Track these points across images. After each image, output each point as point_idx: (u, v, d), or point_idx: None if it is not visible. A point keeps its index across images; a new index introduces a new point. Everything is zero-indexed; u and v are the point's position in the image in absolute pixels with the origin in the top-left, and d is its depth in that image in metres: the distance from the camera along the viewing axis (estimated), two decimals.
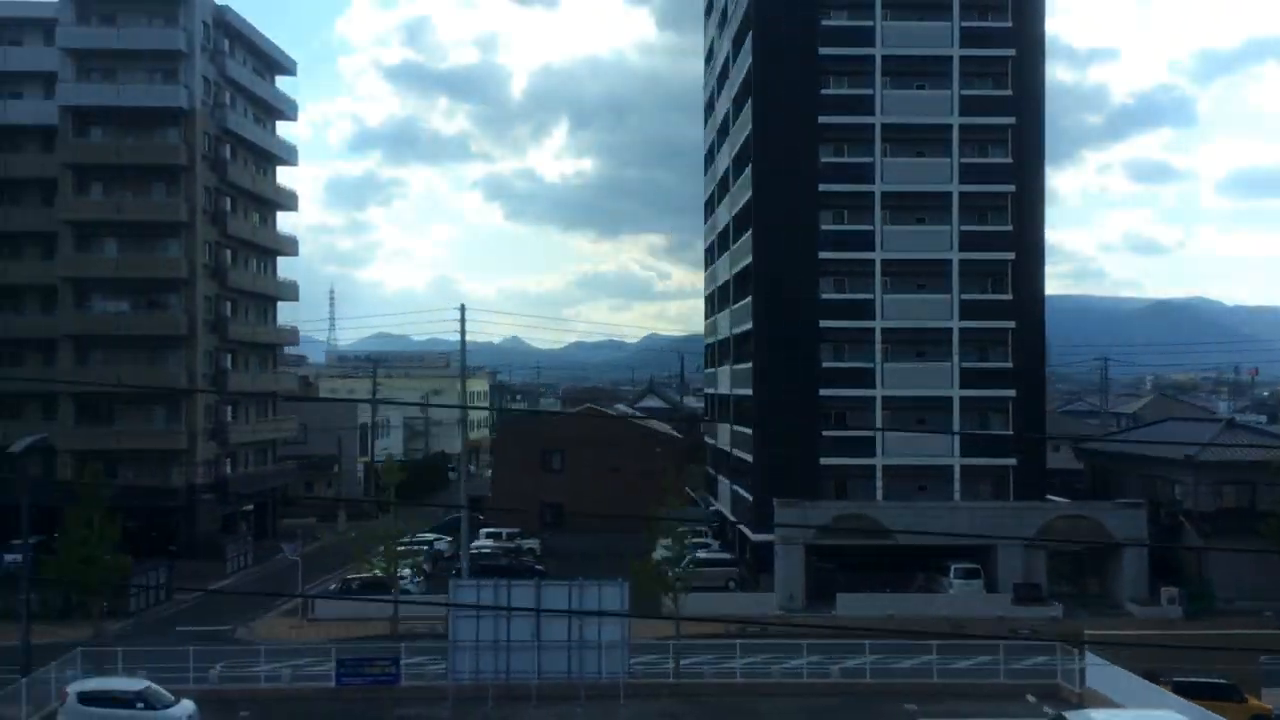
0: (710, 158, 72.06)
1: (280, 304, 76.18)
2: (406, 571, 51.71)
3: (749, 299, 55.71)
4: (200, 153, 62.43)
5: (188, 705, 29.45)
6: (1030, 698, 33.81)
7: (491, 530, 66.99)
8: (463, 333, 48.21)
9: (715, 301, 67.55)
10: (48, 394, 64.54)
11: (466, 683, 33.38)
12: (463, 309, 48.54)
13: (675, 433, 77.02)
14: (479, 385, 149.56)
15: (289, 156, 75.77)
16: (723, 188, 65.28)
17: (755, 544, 52.91)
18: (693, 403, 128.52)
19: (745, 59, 54.65)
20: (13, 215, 64.56)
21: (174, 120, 62.09)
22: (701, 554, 58.21)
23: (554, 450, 70.53)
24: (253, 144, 69.99)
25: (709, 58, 72.35)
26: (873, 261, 51.73)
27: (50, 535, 61.97)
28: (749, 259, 54.51)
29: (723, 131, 64.76)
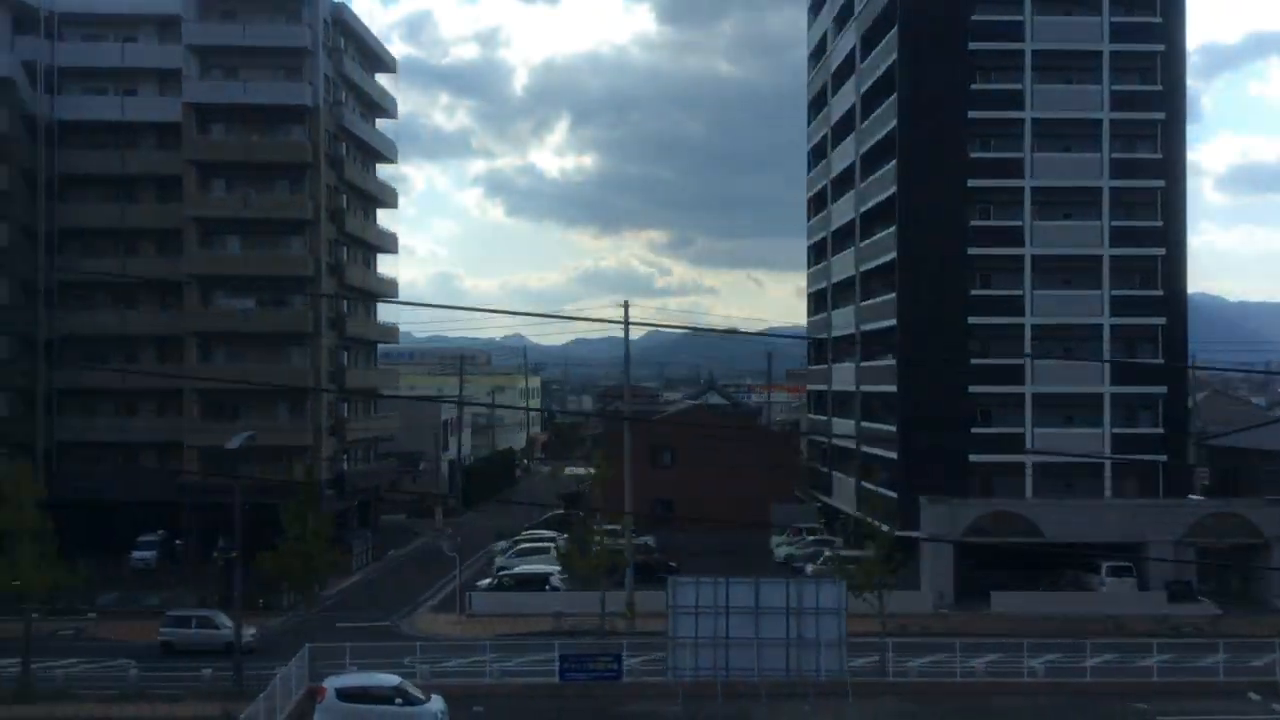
0: (819, 153, 71.95)
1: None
2: (555, 568, 51.83)
3: (884, 296, 55.63)
4: (323, 150, 62.56)
5: (439, 701, 29.52)
6: (1254, 695, 33.71)
7: (607, 527, 66.89)
8: (626, 331, 48.15)
9: (830, 298, 67.39)
10: (170, 390, 64.92)
11: (688, 679, 33.42)
12: (626, 305, 48.57)
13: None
14: (533, 383, 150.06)
15: (390, 153, 75.90)
16: (840, 184, 65.22)
17: (895, 542, 52.71)
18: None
19: (885, 54, 54.51)
20: (129, 213, 64.85)
21: (297, 118, 62.18)
22: (842, 552, 58.30)
23: (663, 447, 70.60)
24: (362, 141, 70.14)
25: (817, 53, 72.15)
26: (1022, 257, 51.57)
27: (174, 532, 62.61)
28: (886, 256, 54.39)
29: (841, 127, 64.64)
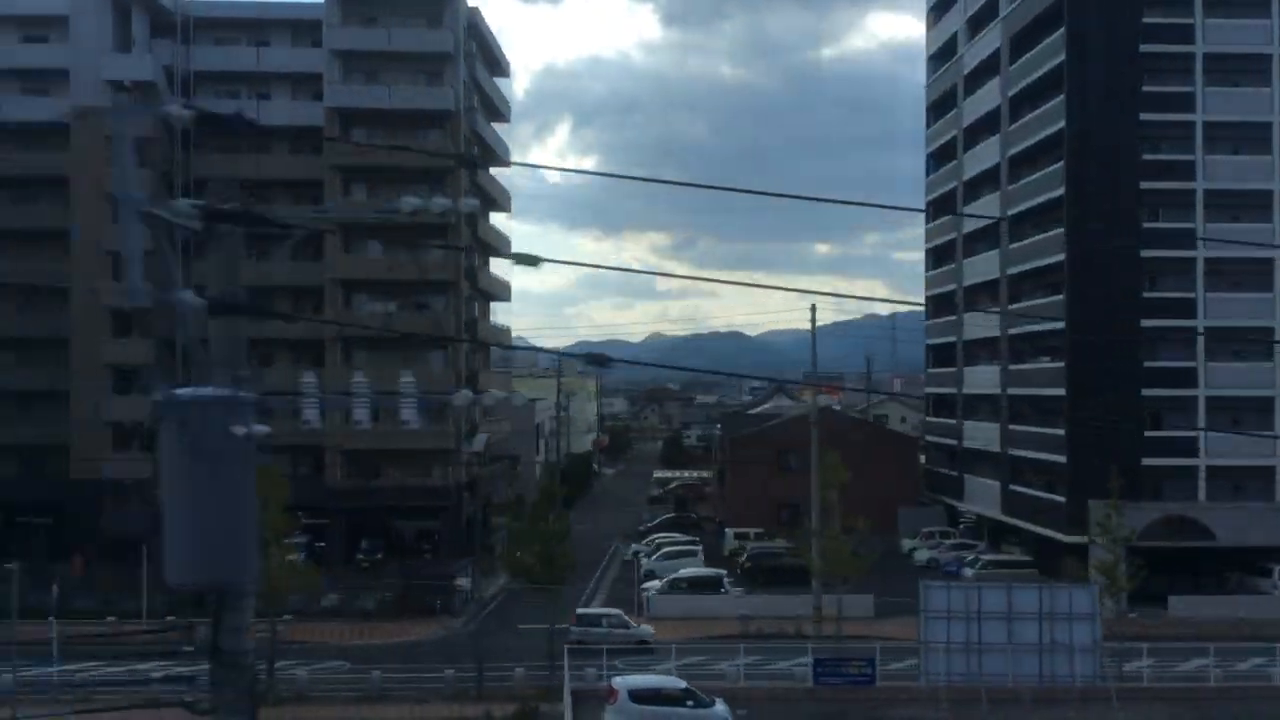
0: (943, 155, 71.84)
1: None
2: (722, 571, 51.77)
3: (1037, 300, 55.53)
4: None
5: (723, 705, 29.45)
6: None
7: (739, 531, 66.92)
8: (813, 330, 48.06)
9: (961, 301, 67.25)
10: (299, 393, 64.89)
11: (941, 684, 33.28)
12: (814, 308, 48.50)
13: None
14: (589, 386, 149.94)
15: (506, 156, 76.09)
16: (976, 185, 65.14)
17: (1056, 546, 52.52)
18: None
19: (1046, 56, 54.31)
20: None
21: (437, 122, 62.31)
22: (997, 556, 58.12)
23: (788, 450, 70.35)
24: (486, 144, 70.26)
25: (942, 54, 71.96)
26: (1194, 260, 51.34)
27: (319, 534, 62.69)
28: (1045, 259, 54.26)
29: (979, 129, 64.58)
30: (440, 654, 41.12)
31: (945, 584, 34.71)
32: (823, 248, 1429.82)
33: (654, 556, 59.71)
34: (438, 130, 62.56)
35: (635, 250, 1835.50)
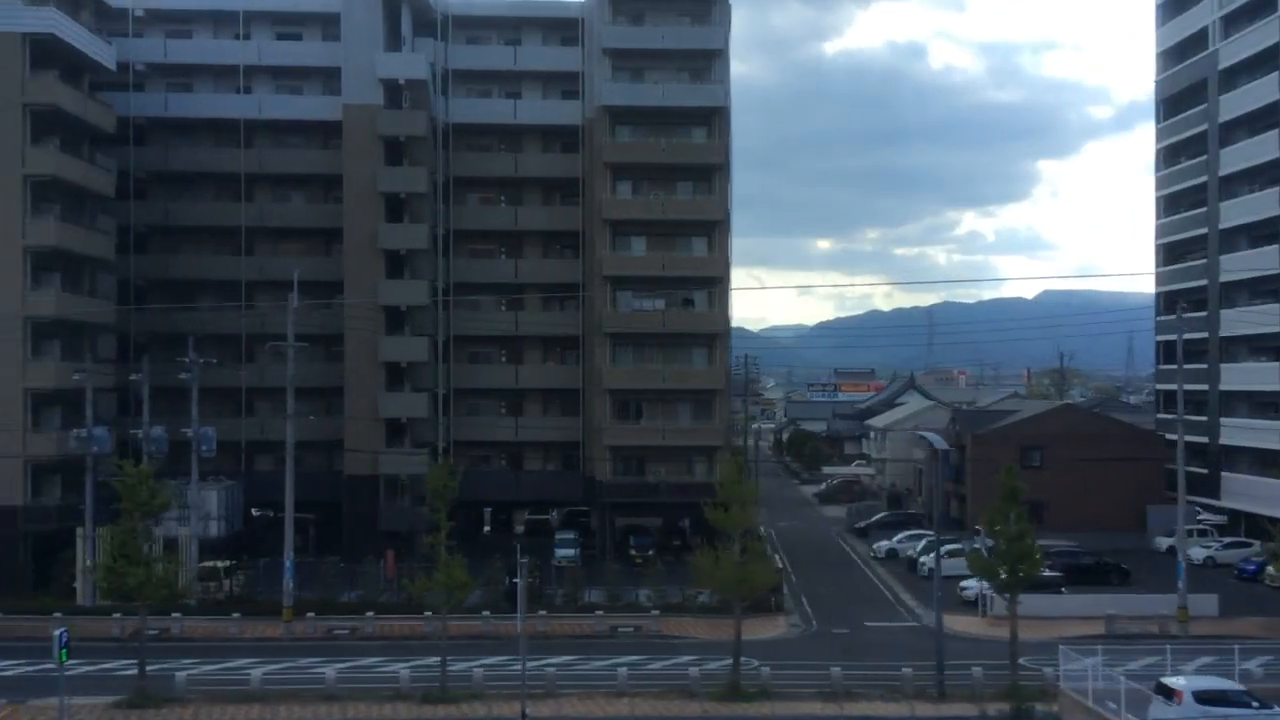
0: (1181, 150, 71.30)
1: None
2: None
3: None
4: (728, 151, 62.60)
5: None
6: None
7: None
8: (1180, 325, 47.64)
9: (1217, 297, 66.67)
10: (550, 390, 65.42)
11: None
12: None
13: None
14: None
15: None
16: (1234, 181, 64.63)
17: None
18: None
19: None
20: (521, 215, 65.41)
21: (701, 119, 62.26)
22: None
23: (1033, 448, 69.90)
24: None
25: (1181, 49, 71.24)
26: None
27: (589, 534, 62.91)
28: None
29: (1239, 124, 64.05)
30: (804, 651, 41.38)
31: None
32: (823, 243, 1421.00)
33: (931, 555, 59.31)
34: (700, 127, 62.52)
35: None
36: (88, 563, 44.43)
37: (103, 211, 56.99)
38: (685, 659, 39.31)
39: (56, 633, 28.99)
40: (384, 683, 35.97)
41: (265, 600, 46.20)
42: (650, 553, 59.35)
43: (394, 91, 61.26)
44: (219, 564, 49.86)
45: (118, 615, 41.76)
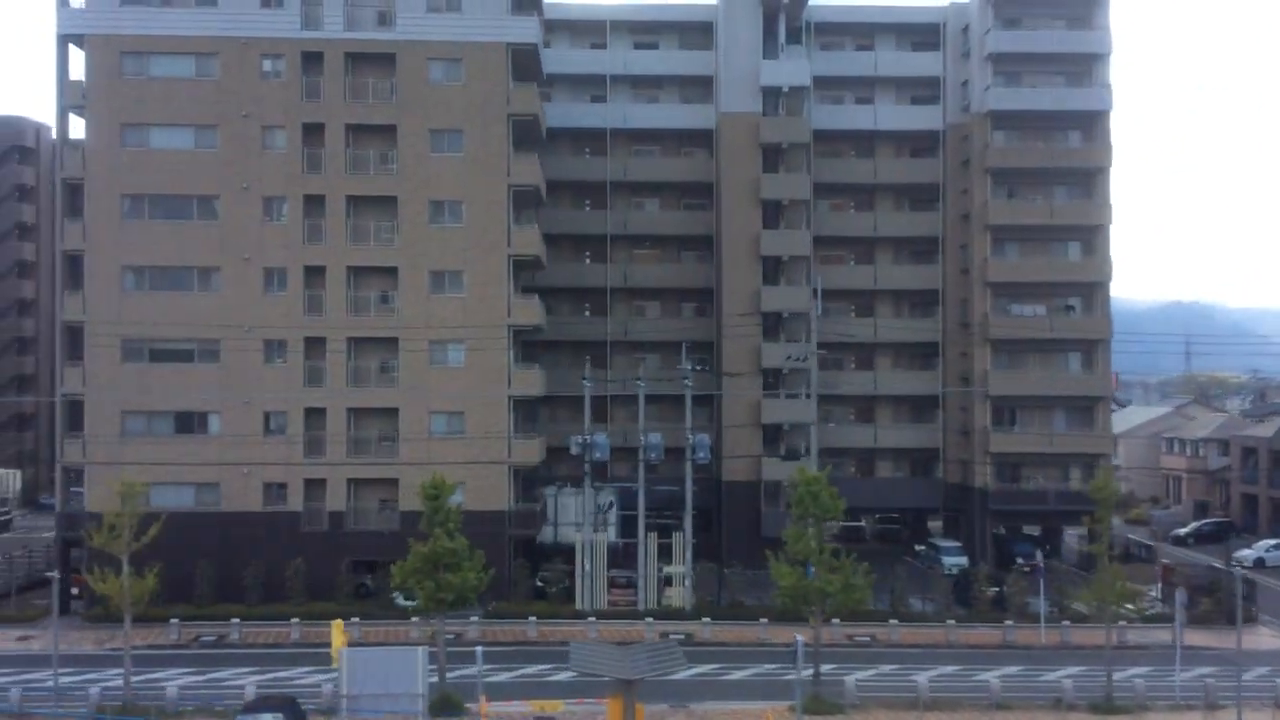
0: None
1: None
2: None
3: None
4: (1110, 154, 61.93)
5: None
6: None
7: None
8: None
9: None
10: (902, 397, 65.25)
11: None
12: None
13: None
14: None
15: None
16: None
17: None
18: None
19: None
20: (881, 221, 65.43)
21: (1082, 123, 61.71)
22: None
23: None
24: None
25: None
26: None
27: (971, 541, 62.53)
28: None
29: None
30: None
31: None
32: None
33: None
34: (1078, 131, 62.01)
35: None
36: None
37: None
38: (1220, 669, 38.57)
39: (799, 639, 29.21)
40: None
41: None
42: (1036, 562, 58.89)
43: (769, 99, 61.48)
44: (671, 569, 50.07)
45: (707, 620, 43.06)
